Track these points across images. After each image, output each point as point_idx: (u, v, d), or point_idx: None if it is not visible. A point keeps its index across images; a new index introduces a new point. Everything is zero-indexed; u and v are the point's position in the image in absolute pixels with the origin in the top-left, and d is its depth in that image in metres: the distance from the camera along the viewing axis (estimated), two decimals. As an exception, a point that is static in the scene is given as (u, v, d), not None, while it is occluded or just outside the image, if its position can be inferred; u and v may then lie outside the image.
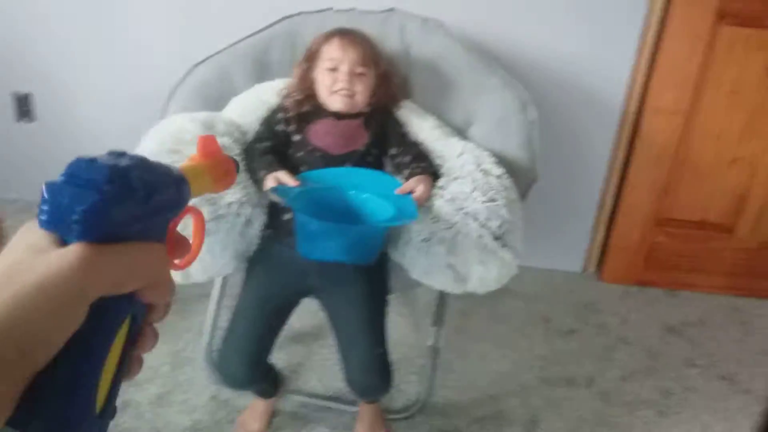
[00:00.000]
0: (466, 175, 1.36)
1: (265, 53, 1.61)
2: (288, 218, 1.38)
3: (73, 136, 2.09)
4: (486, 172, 1.38)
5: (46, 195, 0.33)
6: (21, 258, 0.33)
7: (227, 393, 1.62)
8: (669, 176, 1.94)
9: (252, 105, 1.52)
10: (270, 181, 1.32)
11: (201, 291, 1.88)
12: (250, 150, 1.44)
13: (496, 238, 1.30)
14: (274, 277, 1.37)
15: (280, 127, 1.40)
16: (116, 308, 0.35)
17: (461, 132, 1.60)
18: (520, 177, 1.50)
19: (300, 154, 1.41)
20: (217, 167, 0.45)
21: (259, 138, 1.43)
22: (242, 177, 1.39)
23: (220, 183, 0.45)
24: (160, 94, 1.59)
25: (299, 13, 1.58)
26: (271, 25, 1.61)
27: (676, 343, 1.91)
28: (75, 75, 2.01)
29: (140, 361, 0.39)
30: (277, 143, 1.42)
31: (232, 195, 1.34)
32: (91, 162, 0.34)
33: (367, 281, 1.37)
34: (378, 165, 1.47)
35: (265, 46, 1.61)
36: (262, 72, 1.60)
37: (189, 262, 0.42)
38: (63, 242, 0.33)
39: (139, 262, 0.35)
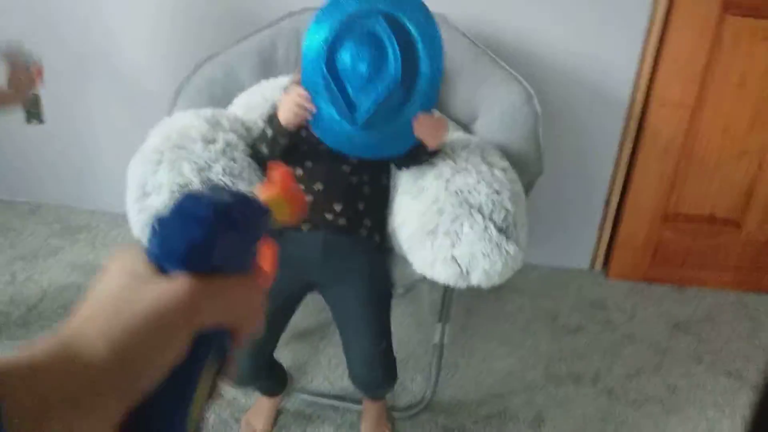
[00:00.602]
0: (472, 167, 1.35)
1: (271, 50, 1.60)
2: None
3: (82, 138, 2.08)
4: (491, 165, 1.37)
5: (156, 227, 0.35)
6: (126, 285, 0.33)
7: (233, 392, 1.60)
8: (676, 170, 1.92)
9: (257, 102, 1.52)
10: (287, 113, 1.29)
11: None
12: (255, 148, 1.43)
13: (501, 230, 1.29)
14: (278, 273, 1.35)
15: (283, 140, 1.38)
16: (212, 340, 0.36)
17: (466, 125, 1.60)
18: (525, 170, 1.49)
19: (305, 147, 1.40)
20: (294, 200, 0.47)
21: (262, 139, 1.41)
22: (247, 172, 1.38)
23: (295, 215, 0.48)
24: (166, 92, 1.59)
25: (304, 9, 1.56)
26: (276, 22, 1.60)
27: (683, 340, 1.90)
28: (83, 76, 2.00)
29: (217, 391, 0.40)
30: (283, 151, 1.40)
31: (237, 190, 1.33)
32: (198, 198, 0.36)
33: (370, 275, 1.37)
34: (384, 161, 1.46)
35: (270, 43, 1.60)
36: (267, 68, 1.59)
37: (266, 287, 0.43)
38: (163, 271, 0.35)
39: (238, 295, 0.37)
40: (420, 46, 1.25)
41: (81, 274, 1.97)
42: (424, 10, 1.27)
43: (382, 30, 1.20)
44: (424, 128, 1.29)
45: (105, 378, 0.30)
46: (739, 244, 2.04)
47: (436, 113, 1.43)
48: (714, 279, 2.09)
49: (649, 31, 1.75)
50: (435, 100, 1.32)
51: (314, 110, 1.28)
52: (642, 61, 1.79)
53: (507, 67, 1.56)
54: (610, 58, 1.79)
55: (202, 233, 0.35)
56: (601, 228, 2.10)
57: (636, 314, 1.99)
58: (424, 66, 1.26)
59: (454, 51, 1.57)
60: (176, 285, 0.33)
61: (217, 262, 0.35)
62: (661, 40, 1.75)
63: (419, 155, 1.37)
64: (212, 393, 0.38)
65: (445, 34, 1.56)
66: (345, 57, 1.22)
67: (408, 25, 1.24)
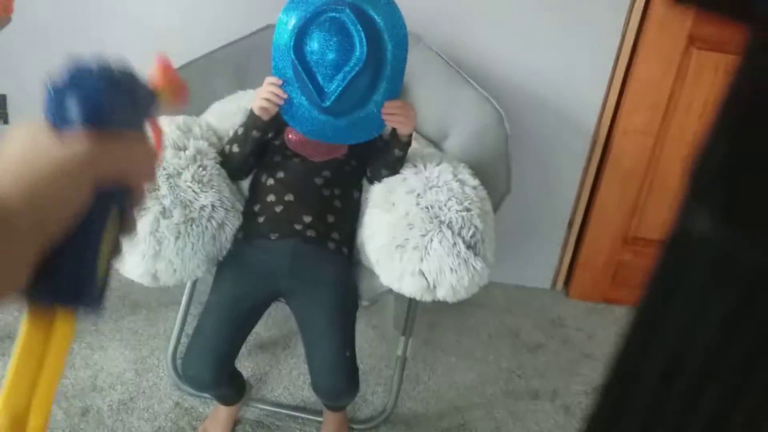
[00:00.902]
0: (443, 184, 1.37)
1: (246, 60, 1.61)
2: (262, 222, 1.37)
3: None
4: (462, 183, 1.39)
5: (52, 93, 0.39)
6: (30, 145, 0.37)
7: (191, 400, 1.59)
8: (638, 196, 1.98)
9: (231, 111, 1.53)
10: (261, 102, 1.33)
11: (168, 299, 1.86)
12: (225, 151, 1.43)
13: (469, 246, 1.32)
14: (245, 279, 1.36)
15: (256, 133, 1.39)
16: (112, 191, 0.40)
17: (437, 143, 1.62)
18: (494, 189, 1.52)
19: (278, 158, 1.40)
20: (173, 86, 0.50)
21: (234, 139, 1.42)
22: (216, 180, 1.38)
23: (177, 97, 0.51)
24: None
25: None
26: (253, 34, 1.61)
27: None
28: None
29: (121, 248, 0.44)
30: (253, 147, 1.41)
31: (205, 198, 1.33)
32: (89, 67, 0.40)
33: (337, 285, 1.38)
34: (356, 174, 1.48)
35: (246, 53, 1.60)
36: (242, 79, 1.60)
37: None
38: (61, 134, 0.38)
39: (133, 149, 0.41)
40: (385, 34, 1.30)
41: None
42: (390, 2, 1.32)
43: (348, 18, 1.25)
44: (394, 115, 1.34)
45: (18, 218, 0.34)
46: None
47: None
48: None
49: (616, 61, 1.80)
50: (400, 87, 1.37)
51: (286, 97, 1.33)
52: (609, 89, 1.84)
53: (479, 88, 1.59)
54: (579, 85, 1.84)
55: (95, 94, 0.39)
56: (564, 249, 2.14)
57: (595, 334, 2.03)
58: (389, 53, 1.31)
59: (428, 71, 1.60)
60: (74, 141, 0.37)
61: (109, 123, 0.39)
62: (628, 70, 1.80)
63: (392, 149, 1.40)
64: (116, 249, 0.43)
65: (419, 54, 1.60)
66: (313, 45, 1.26)
67: (373, 14, 1.29)
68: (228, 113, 1.53)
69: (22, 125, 0.39)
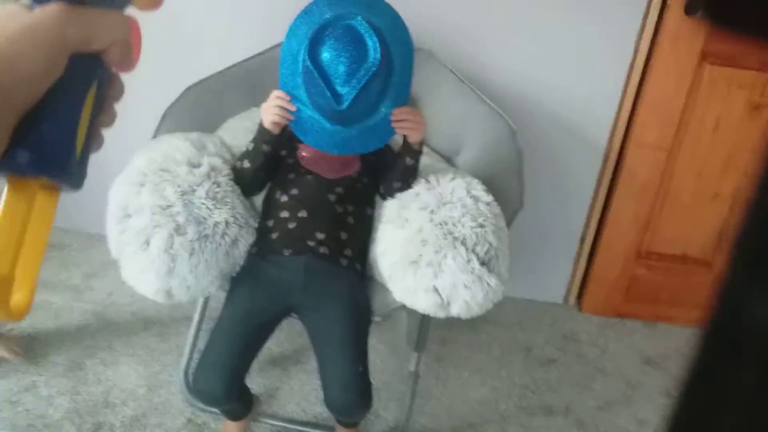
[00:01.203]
0: (456, 200, 1.37)
1: (260, 77, 1.61)
2: (275, 238, 1.37)
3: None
4: (476, 199, 1.39)
5: None
6: (3, 12, 0.37)
7: (203, 417, 1.58)
8: (651, 210, 1.97)
9: (244, 128, 1.53)
10: (270, 117, 1.34)
11: (180, 314, 1.87)
12: (237, 167, 1.44)
13: (483, 263, 1.31)
14: (258, 294, 1.36)
15: (266, 147, 1.40)
16: (87, 66, 0.40)
17: (450, 158, 1.62)
18: (507, 204, 1.51)
19: (291, 176, 1.41)
20: None
21: (245, 155, 1.42)
22: (230, 197, 1.38)
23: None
24: (149, 114, 1.57)
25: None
26: (266, 51, 1.62)
27: (654, 375, 1.93)
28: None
29: (101, 138, 0.44)
30: (264, 161, 1.41)
31: (219, 215, 1.33)
32: None
33: (350, 301, 1.37)
34: (369, 191, 1.48)
35: (259, 71, 1.61)
36: (256, 96, 1.60)
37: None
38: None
39: (107, 22, 0.40)
40: (391, 43, 1.31)
41: (52, 293, 1.94)
42: (393, 12, 1.34)
43: (361, 25, 1.26)
44: (403, 122, 1.35)
45: None
46: (711, 283, 2.07)
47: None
48: (685, 316, 2.14)
49: (629, 75, 1.80)
50: (408, 95, 1.38)
51: (295, 109, 1.33)
52: (621, 103, 1.84)
53: (491, 104, 1.59)
54: (591, 99, 1.84)
55: None
56: (576, 263, 2.13)
57: (608, 348, 2.02)
58: (397, 62, 1.33)
59: (440, 86, 1.61)
60: (46, 7, 0.37)
61: None
62: (641, 85, 1.80)
63: (403, 160, 1.40)
64: (93, 137, 0.42)
65: (432, 70, 1.61)
66: (327, 51, 1.27)
67: (378, 24, 1.30)
68: (242, 130, 1.54)
69: None
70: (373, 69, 1.26)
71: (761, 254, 0.26)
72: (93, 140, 0.43)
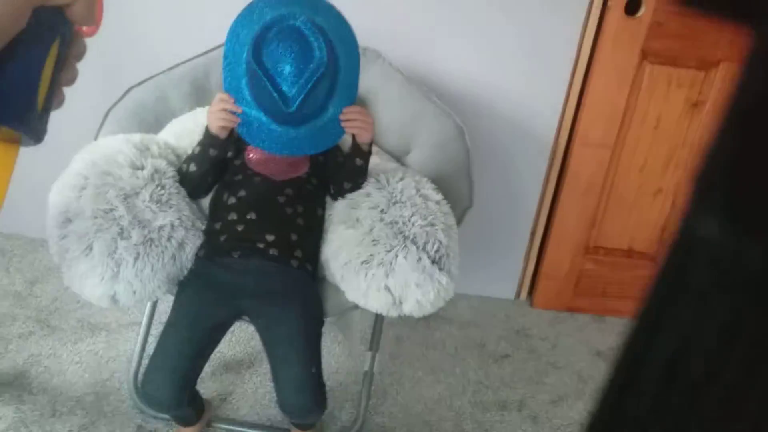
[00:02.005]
0: (406, 199, 1.38)
1: (205, 78, 1.59)
2: (224, 240, 1.35)
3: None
4: (425, 198, 1.40)
5: None
6: None
7: (154, 423, 1.55)
8: (597, 206, 2.02)
9: (189, 128, 1.50)
10: (217, 122, 1.32)
11: (128, 319, 1.83)
12: (182, 170, 1.41)
13: (434, 261, 1.32)
14: (207, 297, 1.33)
15: (213, 152, 1.38)
16: (51, 20, 0.40)
17: (399, 158, 1.63)
18: (456, 203, 1.53)
19: (239, 177, 1.39)
20: None
21: (191, 158, 1.40)
22: (175, 199, 1.36)
23: None
24: (90, 115, 1.54)
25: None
26: (210, 50, 1.59)
27: (605, 367, 1.97)
28: None
29: (62, 96, 0.44)
30: (212, 165, 1.39)
31: (164, 218, 1.31)
32: None
33: (301, 303, 1.36)
34: (319, 192, 1.47)
35: (204, 71, 1.59)
36: (201, 96, 1.58)
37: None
38: None
39: None
40: (336, 43, 1.31)
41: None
42: (336, 11, 1.34)
43: (305, 26, 1.26)
44: (353, 121, 1.35)
45: None
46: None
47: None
48: (632, 309, 2.18)
49: (573, 75, 1.84)
50: (355, 94, 1.38)
51: (240, 111, 1.32)
52: (566, 102, 1.88)
53: (439, 103, 1.60)
54: (537, 98, 1.87)
55: None
56: (527, 259, 2.17)
57: (559, 343, 2.06)
58: (342, 60, 1.32)
59: (388, 86, 1.61)
60: None
61: None
62: (584, 84, 1.84)
63: (353, 161, 1.40)
64: (55, 94, 0.43)
65: (380, 70, 1.61)
66: (272, 53, 1.27)
67: (323, 25, 1.30)
68: (186, 131, 1.51)
69: None
70: (321, 69, 1.26)
71: (709, 182, 0.33)
72: (54, 97, 0.43)
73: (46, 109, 0.42)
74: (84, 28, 0.48)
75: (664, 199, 2.01)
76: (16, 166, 0.43)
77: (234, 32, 1.31)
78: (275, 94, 1.26)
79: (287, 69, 1.26)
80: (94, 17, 0.44)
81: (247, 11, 1.31)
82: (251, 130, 1.33)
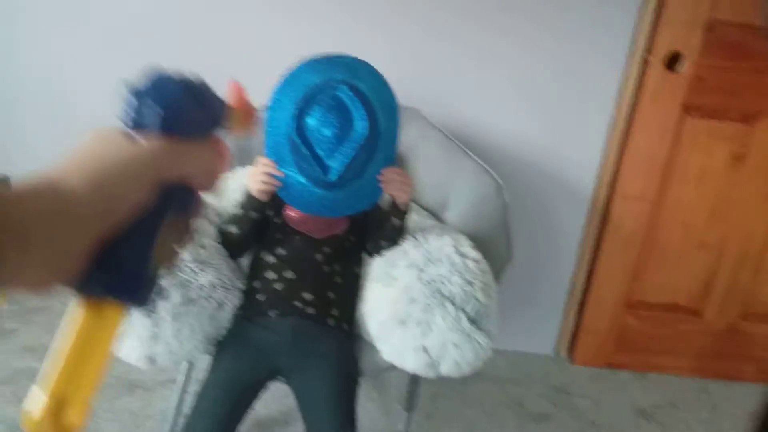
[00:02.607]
0: (444, 258, 1.36)
1: (246, 138, 1.61)
2: (262, 299, 1.35)
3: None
4: (464, 256, 1.38)
5: (128, 96, 0.40)
6: (100, 143, 0.39)
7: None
8: (638, 260, 1.97)
9: (230, 188, 1.52)
10: (258, 185, 1.33)
11: (165, 377, 1.83)
12: (223, 231, 1.42)
13: (472, 321, 1.29)
14: (243, 357, 1.33)
15: (254, 214, 1.39)
16: (174, 192, 0.41)
17: (437, 214, 1.62)
18: (495, 259, 1.50)
19: (278, 236, 1.40)
20: (243, 108, 0.51)
21: (232, 220, 1.41)
22: (215, 259, 1.36)
23: (245, 122, 0.52)
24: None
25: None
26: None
27: (647, 427, 1.90)
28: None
29: (176, 254, 0.44)
30: (252, 227, 1.40)
31: (204, 278, 1.31)
32: (166, 74, 0.41)
33: (337, 362, 1.34)
34: (357, 250, 1.47)
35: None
36: (242, 156, 1.60)
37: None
38: (132, 138, 0.40)
39: (199, 154, 0.43)
40: (376, 106, 1.31)
41: (36, 357, 1.89)
42: (377, 74, 1.34)
43: (345, 95, 1.27)
44: (391, 182, 1.34)
45: (81, 207, 0.35)
46: (700, 332, 2.08)
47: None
48: (676, 366, 2.12)
49: (613, 128, 1.83)
50: (395, 156, 1.38)
51: (282, 176, 1.32)
52: (606, 156, 1.86)
53: (477, 159, 1.59)
54: (576, 152, 1.86)
55: (173, 100, 0.40)
56: (566, 314, 2.12)
57: (600, 400, 1.99)
58: (383, 125, 1.32)
59: (426, 143, 1.61)
60: (146, 141, 0.39)
61: (182, 129, 0.41)
62: (625, 138, 1.82)
63: (390, 221, 1.39)
64: (169, 253, 0.43)
65: (417, 127, 1.62)
66: (312, 122, 1.27)
67: (363, 88, 1.30)
68: (227, 190, 1.53)
69: (96, 128, 0.41)
70: (360, 141, 1.27)
71: None
72: (168, 259, 0.43)
73: (156, 275, 0.42)
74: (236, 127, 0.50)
75: (708, 253, 1.96)
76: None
77: (276, 99, 1.33)
78: (316, 166, 1.27)
79: (331, 132, 1.27)
80: (217, 185, 0.45)
81: (290, 77, 1.33)
82: (291, 192, 1.34)
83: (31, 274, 0.34)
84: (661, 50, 1.70)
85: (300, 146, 1.27)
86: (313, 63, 1.33)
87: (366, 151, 1.30)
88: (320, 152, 1.28)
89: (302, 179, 1.32)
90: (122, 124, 0.41)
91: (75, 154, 0.38)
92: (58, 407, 0.36)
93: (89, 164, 0.37)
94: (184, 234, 0.45)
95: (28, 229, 0.33)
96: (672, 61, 1.71)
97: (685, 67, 1.71)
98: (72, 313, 0.38)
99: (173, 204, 0.42)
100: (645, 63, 1.72)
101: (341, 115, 1.27)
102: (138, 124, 0.40)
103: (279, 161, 1.33)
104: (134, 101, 0.40)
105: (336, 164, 1.28)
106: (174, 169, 0.40)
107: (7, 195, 0.33)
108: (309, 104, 1.28)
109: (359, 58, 1.35)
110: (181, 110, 0.41)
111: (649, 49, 1.71)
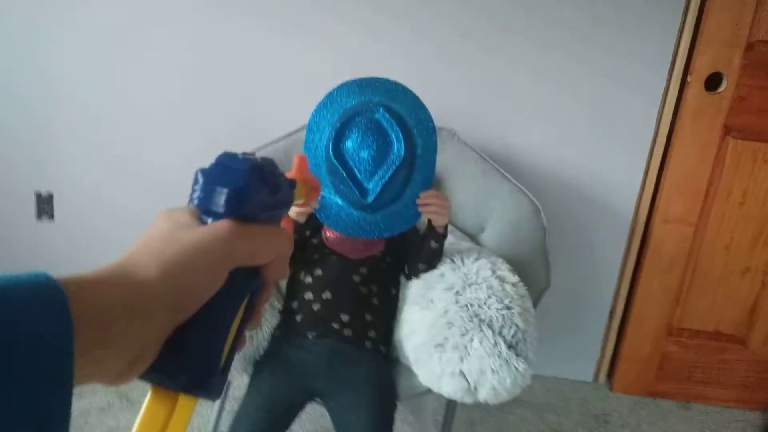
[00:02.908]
0: (482, 281, 1.35)
1: (286, 160, 1.63)
2: (299, 320, 1.36)
3: (89, 237, 2.08)
4: (502, 279, 1.37)
5: (199, 178, 0.41)
6: (174, 227, 0.38)
7: (223, 503, 1.53)
8: (680, 285, 1.93)
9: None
10: (297, 208, 1.32)
11: (202, 392, 1.83)
12: None
13: (510, 346, 1.28)
14: (281, 378, 1.33)
15: (293, 236, 1.40)
16: (246, 279, 0.41)
17: (474, 236, 1.61)
18: (533, 283, 1.49)
19: (316, 256, 1.41)
20: (309, 183, 0.52)
21: None
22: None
23: (310, 196, 0.52)
24: (182, 200, 1.59)
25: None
26: (291, 133, 1.65)
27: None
28: (97, 180, 2.02)
29: (245, 339, 0.43)
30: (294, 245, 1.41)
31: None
32: (236, 155, 0.42)
33: (375, 386, 1.34)
34: (394, 271, 1.47)
35: (285, 153, 1.64)
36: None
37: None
38: (203, 221, 0.40)
39: (271, 239, 0.42)
40: (414, 128, 1.33)
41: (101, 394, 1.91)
42: (414, 97, 1.36)
43: (383, 118, 1.28)
44: (429, 205, 1.34)
45: (156, 294, 0.34)
46: (745, 360, 2.01)
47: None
48: (720, 396, 2.06)
49: (652, 150, 1.80)
50: (432, 178, 1.38)
51: (320, 198, 1.32)
52: (646, 178, 1.83)
53: (514, 181, 1.59)
54: (615, 174, 1.83)
55: (241, 181, 0.40)
56: (605, 340, 2.08)
57: (641, 430, 1.94)
58: (420, 146, 1.34)
59: (463, 164, 1.61)
60: (218, 225, 0.39)
61: (251, 211, 0.40)
62: (664, 159, 1.80)
63: (428, 244, 1.39)
64: (239, 341, 0.42)
65: (454, 149, 1.62)
66: (351, 145, 1.29)
67: (400, 111, 1.32)
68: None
69: (168, 210, 0.41)
70: (396, 164, 1.28)
71: None
72: (238, 346, 0.42)
73: (228, 364, 0.41)
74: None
75: (753, 278, 1.91)
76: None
77: (314, 121, 1.35)
78: (354, 189, 1.29)
79: (369, 155, 1.28)
80: (287, 274, 0.45)
81: (327, 100, 1.35)
82: (329, 214, 1.35)
83: (109, 368, 0.33)
84: (701, 71, 1.68)
85: (338, 168, 1.28)
86: (351, 85, 1.35)
87: (403, 173, 1.31)
88: (358, 174, 1.29)
89: (340, 201, 1.33)
90: (193, 206, 0.41)
91: (146, 239, 0.38)
92: None
93: (163, 248, 0.37)
94: (254, 321, 0.44)
95: (108, 323, 0.32)
96: (712, 82, 1.69)
97: (726, 87, 1.69)
98: (147, 403, 0.38)
99: (245, 290, 0.41)
100: (685, 84, 1.70)
101: (379, 137, 1.28)
102: (206, 207, 0.40)
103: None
104: (203, 183, 0.40)
105: (373, 186, 1.29)
106: (246, 254, 0.40)
107: (87, 285, 0.32)
108: (347, 126, 1.29)
109: (396, 81, 1.36)
110: (249, 190, 0.40)
111: (689, 70, 1.70)
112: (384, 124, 1.29)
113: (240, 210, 0.40)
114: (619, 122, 1.77)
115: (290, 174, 0.51)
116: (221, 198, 0.40)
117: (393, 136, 1.28)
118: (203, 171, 0.41)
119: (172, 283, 0.35)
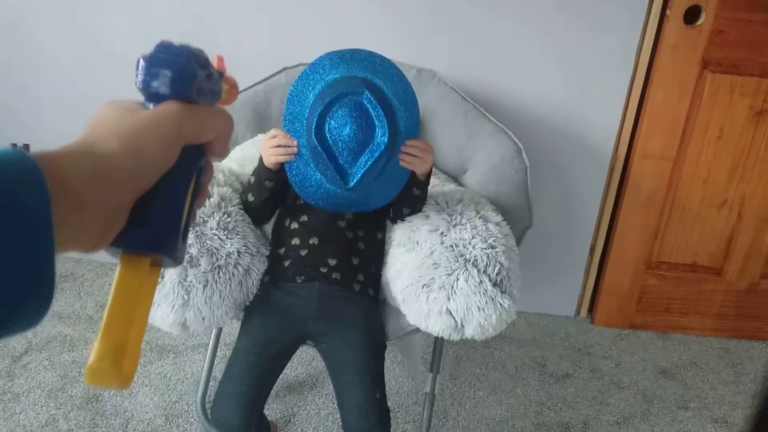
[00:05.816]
0: (466, 222, 1.38)
1: (265, 104, 1.62)
2: (287, 265, 1.38)
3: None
4: (485, 219, 1.39)
5: (142, 63, 0.43)
6: (123, 111, 0.42)
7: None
8: (658, 220, 1.97)
9: (252, 155, 1.53)
10: (271, 158, 1.36)
11: (195, 341, 1.87)
12: (243, 200, 1.44)
13: (495, 284, 1.31)
14: (272, 322, 1.36)
15: (269, 183, 1.40)
16: (194, 156, 0.45)
17: (456, 177, 1.63)
18: (516, 222, 1.52)
19: (300, 202, 1.42)
20: (228, 81, 0.53)
21: (249, 188, 1.43)
22: (241, 226, 1.39)
23: (231, 93, 0.54)
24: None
25: (298, 65, 1.60)
26: (270, 77, 1.63)
27: (669, 386, 1.92)
28: (73, 132, 2.00)
29: (196, 216, 0.49)
30: (269, 195, 1.42)
31: (231, 245, 1.34)
32: (173, 43, 0.44)
33: (364, 325, 1.37)
34: (379, 216, 1.48)
35: (265, 97, 1.62)
36: (261, 123, 1.61)
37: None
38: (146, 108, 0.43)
39: (213, 118, 0.46)
40: (396, 105, 1.33)
41: (67, 324, 1.94)
42: (396, 70, 1.36)
43: (368, 102, 1.28)
44: (411, 157, 1.35)
45: (120, 164, 0.38)
46: (721, 291, 2.08)
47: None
48: (698, 326, 2.13)
49: (631, 86, 1.81)
50: (417, 135, 1.39)
51: (295, 144, 1.34)
52: (624, 114, 1.85)
53: (496, 121, 1.60)
54: (594, 111, 1.85)
55: (184, 63, 0.43)
56: (586, 276, 2.13)
57: (622, 361, 2.01)
58: (402, 124, 1.34)
59: (444, 105, 1.62)
60: (167, 104, 0.42)
61: (192, 95, 0.44)
62: (643, 96, 1.81)
63: (410, 191, 1.40)
64: (192, 214, 0.47)
65: (435, 90, 1.62)
66: (333, 126, 1.29)
67: (383, 87, 1.32)
68: (249, 157, 1.54)
69: (112, 100, 0.44)
70: (380, 150, 1.29)
71: None
72: (192, 219, 0.47)
73: (185, 234, 0.46)
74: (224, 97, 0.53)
75: (729, 211, 1.95)
76: None
77: (294, 93, 1.36)
78: (335, 173, 1.30)
79: (352, 138, 1.28)
80: (228, 151, 0.48)
81: (308, 70, 1.35)
82: (309, 190, 1.37)
83: (85, 235, 0.37)
84: (680, 3, 1.68)
85: (320, 151, 1.29)
86: (333, 56, 1.35)
87: (385, 156, 1.31)
88: (340, 157, 1.30)
89: (320, 178, 1.35)
90: (140, 92, 0.44)
91: (101, 120, 0.41)
92: (117, 355, 0.39)
93: (119, 125, 0.40)
94: (201, 198, 0.48)
95: (81, 192, 0.35)
96: (690, 15, 1.69)
97: (704, 20, 1.69)
98: (118, 270, 0.42)
99: (195, 166, 0.45)
100: (663, 17, 1.70)
101: (364, 120, 1.28)
102: (151, 90, 0.43)
103: (299, 154, 1.36)
104: (146, 68, 0.43)
105: (354, 171, 1.30)
106: (194, 131, 0.44)
107: (57, 159, 0.35)
108: (330, 107, 1.29)
109: (378, 53, 1.36)
110: (190, 74, 0.44)
111: (668, 4, 1.69)
112: (369, 108, 1.28)
113: (183, 91, 0.43)
114: (598, 60, 1.77)
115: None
116: (166, 79, 0.43)
117: (377, 120, 1.28)
118: (145, 57, 0.43)
119: (133, 155, 0.39)
